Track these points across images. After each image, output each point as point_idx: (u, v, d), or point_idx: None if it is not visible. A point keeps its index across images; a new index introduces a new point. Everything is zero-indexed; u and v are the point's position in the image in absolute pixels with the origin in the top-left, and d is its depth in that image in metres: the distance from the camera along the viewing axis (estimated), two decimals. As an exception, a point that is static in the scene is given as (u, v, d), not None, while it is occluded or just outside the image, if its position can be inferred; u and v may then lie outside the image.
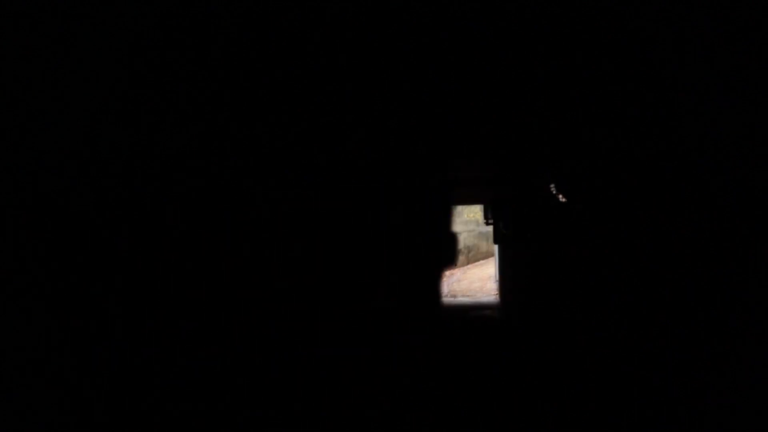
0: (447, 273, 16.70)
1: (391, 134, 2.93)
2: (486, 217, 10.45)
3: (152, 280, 2.00)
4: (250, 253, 2.45)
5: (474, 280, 15.45)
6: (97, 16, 1.92)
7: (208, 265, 2.24)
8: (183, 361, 2.08)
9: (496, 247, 14.14)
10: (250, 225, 2.45)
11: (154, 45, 2.13)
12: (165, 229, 2.08)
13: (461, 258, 17.73)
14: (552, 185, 4.01)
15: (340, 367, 2.84)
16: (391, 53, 2.47)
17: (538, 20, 2.28)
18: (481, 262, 18.69)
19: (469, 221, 18.37)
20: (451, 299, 12.85)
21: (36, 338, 1.62)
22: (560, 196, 3.88)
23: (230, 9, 2.23)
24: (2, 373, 1.53)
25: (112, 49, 1.99)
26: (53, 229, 1.70)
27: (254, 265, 2.46)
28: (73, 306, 1.73)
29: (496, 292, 13.25)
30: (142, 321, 1.94)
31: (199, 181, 2.26)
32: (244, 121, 2.43)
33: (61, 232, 1.72)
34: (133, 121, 2.05)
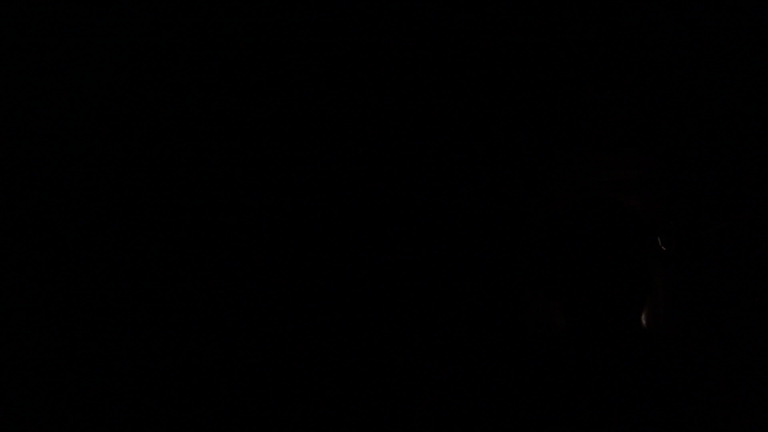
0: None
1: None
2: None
3: (152, 280, 2.05)
4: (250, 253, 2.46)
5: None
6: (97, 16, 2.06)
7: (208, 265, 2.28)
8: (182, 361, 2.12)
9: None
10: (249, 225, 2.47)
11: (154, 45, 2.24)
12: (165, 228, 2.14)
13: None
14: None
15: (340, 366, 2.78)
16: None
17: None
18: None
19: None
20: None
21: (35, 338, 1.71)
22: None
23: (231, 9, 2.28)
24: (2, 374, 1.63)
25: (112, 48, 2.12)
26: (53, 229, 1.80)
27: (254, 265, 2.47)
28: (73, 306, 1.81)
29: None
30: (141, 321, 1.99)
31: (199, 181, 2.31)
32: (243, 121, 2.47)
33: (61, 232, 1.82)
34: (132, 121, 2.13)
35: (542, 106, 2.72)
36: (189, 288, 2.22)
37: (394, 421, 2.67)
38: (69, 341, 1.79)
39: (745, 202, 3.16)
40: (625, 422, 0.93)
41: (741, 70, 2.21)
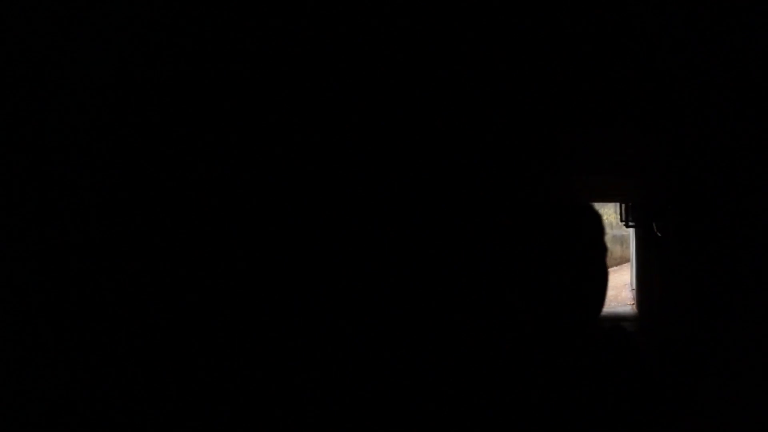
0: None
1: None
2: (625, 218, 9.45)
3: (153, 279, 2.05)
4: (251, 252, 2.46)
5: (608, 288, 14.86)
6: (97, 16, 2.04)
7: (208, 264, 2.28)
8: (182, 361, 2.13)
9: (632, 253, 13.26)
10: (249, 224, 2.47)
11: (154, 45, 2.22)
12: (166, 227, 2.13)
13: (593, 264, 16.78)
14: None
15: (341, 367, 2.78)
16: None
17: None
18: (615, 268, 17.25)
19: (601, 224, 17.09)
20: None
21: (36, 337, 1.71)
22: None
23: (233, 9, 2.25)
24: (2, 373, 1.62)
25: (112, 49, 2.10)
26: (55, 229, 1.79)
27: (254, 264, 2.47)
28: (74, 305, 1.81)
29: (632, 302, 12.48)
30: (142, 321, 1.99)
31: (199, 180, 2.30)
32: (244, 121, 2.45)
33: (62, 232, 1.81)
34: (132, 122, 2.12)
35: (541, 87, 2.71)
36: (188, 288, 2.22)
37: (390, 419, 2.69)
38: (68, 341, 1.79)
39: (747, 186, 3.14)
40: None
41: (745, 52, 2.20)
